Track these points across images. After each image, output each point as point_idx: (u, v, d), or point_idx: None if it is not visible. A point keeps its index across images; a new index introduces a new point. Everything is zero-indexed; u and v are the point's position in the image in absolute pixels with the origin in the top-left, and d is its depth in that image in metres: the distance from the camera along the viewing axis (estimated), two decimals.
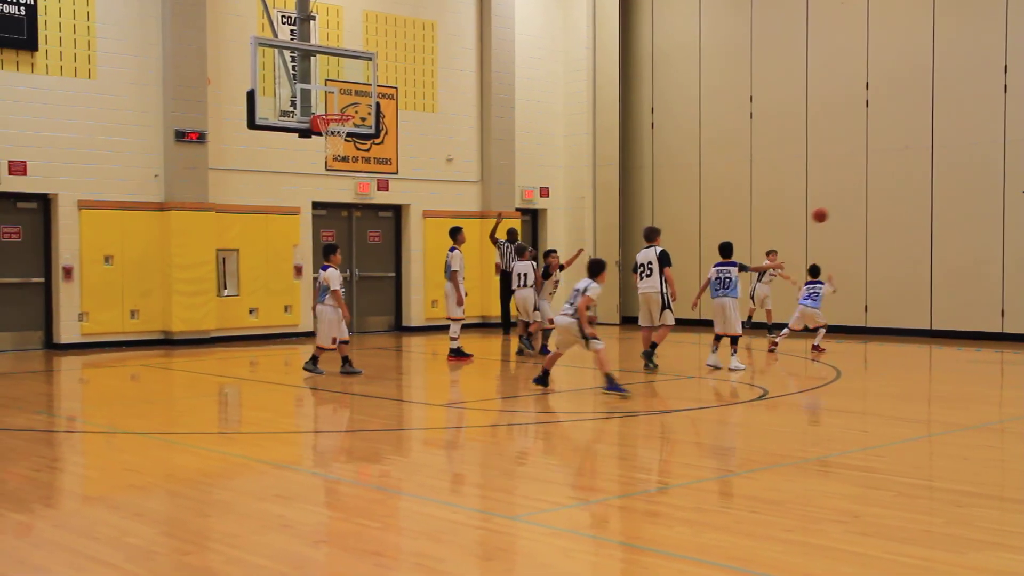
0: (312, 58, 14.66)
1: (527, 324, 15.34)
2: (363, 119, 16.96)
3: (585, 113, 22.47)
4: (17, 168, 15.87)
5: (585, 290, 10.67)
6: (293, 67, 15.07)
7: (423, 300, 20.26)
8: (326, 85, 15.98)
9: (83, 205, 16.43)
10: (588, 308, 10.64)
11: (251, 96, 13.72)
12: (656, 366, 12.95)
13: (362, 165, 19.50)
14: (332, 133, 14.34)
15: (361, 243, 19.96)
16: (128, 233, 16.80)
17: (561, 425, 9.70)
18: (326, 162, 18.92)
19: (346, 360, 12.85)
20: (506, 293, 18.88)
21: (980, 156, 17.51)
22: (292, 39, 16.54)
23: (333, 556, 5.37)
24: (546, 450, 8.62)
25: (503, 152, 21.27)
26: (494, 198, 20.98)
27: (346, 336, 12.77)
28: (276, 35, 16.12)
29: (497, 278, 19.51)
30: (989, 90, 17.37)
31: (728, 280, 13.29)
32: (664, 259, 13.10)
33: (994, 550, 5.30)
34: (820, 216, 14.86)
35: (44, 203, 16.52)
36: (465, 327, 15.56)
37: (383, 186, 19.80)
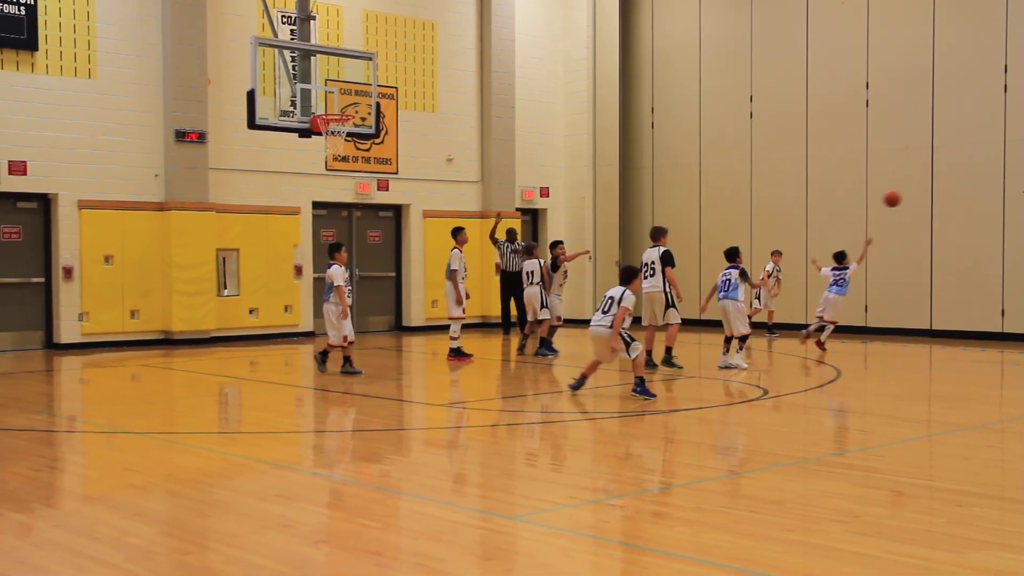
0: (312, 58, 14.66)
1: (537, 322, 15.27)
2: (363, 119, 16.96)
3: (585, 113, 22.47)
4: (17, 168, 15.87)
5: (621, 299, 10.49)
6: (293, 67, 15.07)
7: (423, 300, 20.26)
8: (326, 85, 15.99)
9: (83, 205, 16.44)
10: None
11: (251, 96, 13.73)
12: (681, 367, 13.05)
13: (362, 165, 19.50)
14: (332, 133, 14.34)
15: (361, 243, 19.95)
16: (128, 233, 16.81)
17: (561, 425, 9.70)
18: (326, 162, 18.92)
19: (347, 360, 12.86)
20: (506, 293, 18.89)
21: (980, 156, 17.51)
22: (292, 39, 16.54)
23: (333, 556, 5.37)
24: (546, 450, 8.62)
25: (503, 152, 21.27)
26: (494, 198, 20.98)
27: (351, 336, 12.81)
28: (276, 35, 16.12)
29: (497, 278, 19.52)
30: (989, 90, 17.37)
31: (728, 283, 13.31)
32: (666, 259, 13.11)
33: (994, 550, 5.30)
34: (893, 200, 14.26)
35: (44, 203, 16.53)
36: (465, 327, 15.56)
37: (383, 186, 19.79)
